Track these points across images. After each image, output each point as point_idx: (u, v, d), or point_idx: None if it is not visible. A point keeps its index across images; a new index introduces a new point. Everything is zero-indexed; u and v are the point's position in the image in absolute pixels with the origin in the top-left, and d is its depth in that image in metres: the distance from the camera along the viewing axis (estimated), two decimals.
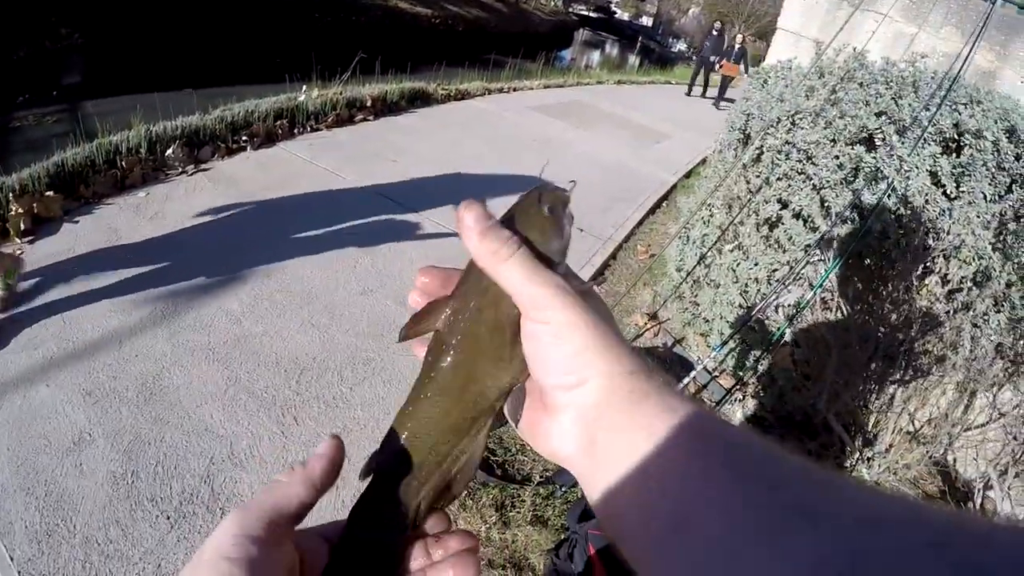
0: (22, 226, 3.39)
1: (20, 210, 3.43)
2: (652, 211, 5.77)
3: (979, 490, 2.60)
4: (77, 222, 3.62)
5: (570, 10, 33.46)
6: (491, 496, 2.48)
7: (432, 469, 0.43)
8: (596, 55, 27.62)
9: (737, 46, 12.99)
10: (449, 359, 0.41)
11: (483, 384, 0.41)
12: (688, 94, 13.43)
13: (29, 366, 2.61)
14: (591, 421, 0.37)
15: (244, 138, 5.01)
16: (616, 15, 42.05)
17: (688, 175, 6.98)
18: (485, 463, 2.62)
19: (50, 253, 3.30)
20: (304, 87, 6.17)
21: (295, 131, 5.54)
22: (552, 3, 31.33)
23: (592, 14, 38.38)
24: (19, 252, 3.25)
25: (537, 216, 0.40)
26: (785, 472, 0.32)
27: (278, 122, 5.39)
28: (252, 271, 3.45)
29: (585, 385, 0.37)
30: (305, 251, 3.73)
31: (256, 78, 8.05)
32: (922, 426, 2.68)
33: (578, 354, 0.37)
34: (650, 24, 41.86)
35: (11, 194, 3.53)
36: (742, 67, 12.32)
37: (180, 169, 4.41)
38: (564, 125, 8.05)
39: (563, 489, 2.57)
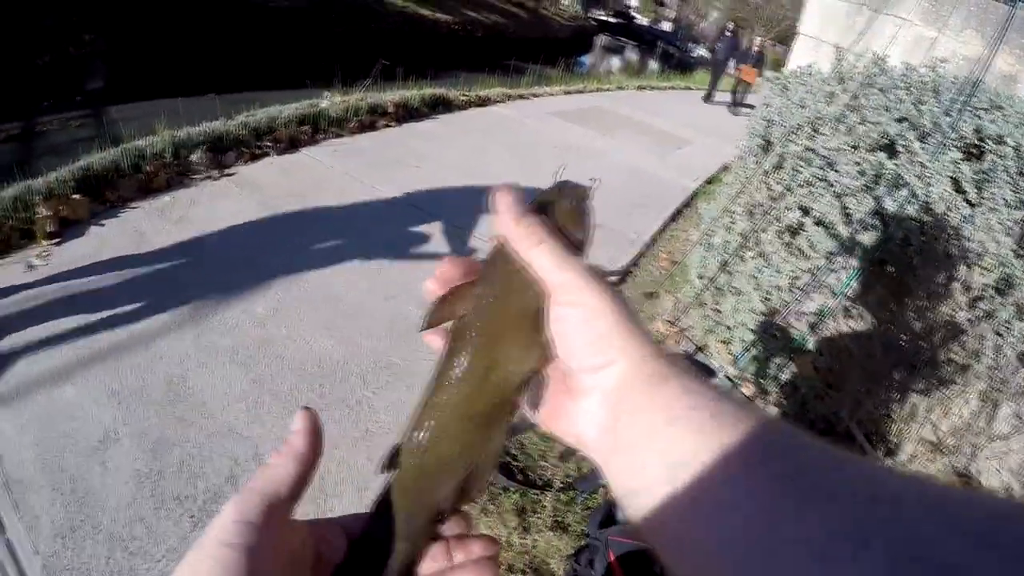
0: (48, 228, 3.46)
1: (47, 213, 3.50)
2: (674, 217, 5.75)
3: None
4: (103, 225, 3.68)
5: (589, 15, 33.44)
6: (512, 501, 2.50)
7: (454, 462, 0.43)
8: (616, 60, 27.60)
9: (755, 50, 12.83)
10: (473, 346, 0.41)
11: (506, 370, 0.42)
12: (707, 100, 13.27)
13: (55, 366, 2.66)
14: (615, 403, 0.38)
15: (268, 144, 5.07)
16: (635, 20, 41.93)
17: (710, 181, 6.94)
18: (506, 468, 2.63)
19: (77, 255, 3.37)
20: (326, 93, 6.24)
21: (318, 137, 5.59)
22: (571, 8, 31.36)
23: (611, 19, 38.32)
24: (46, 254, 3.31)
25: (562, 208, 0.42)
26: (800, 446, 0.33)
27: (301, 128, 5.45)
28: (276, 275, 3.49)
29: (611, 367, 0.38)
30: (328, 256, 3.77)
31: (279, 84, 8.17)
32: (945, 436, 2.65)
33: (604, 337, 0.38)
34: (670, 29, 41.77)
35: (38, 197, 3.61)
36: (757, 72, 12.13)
37: (205, 174, 4.47)
38: (585, 131, 8.05)
39: (584, 495, 2.57)
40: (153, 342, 2.88)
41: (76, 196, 3.73)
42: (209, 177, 4.46)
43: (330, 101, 6.04)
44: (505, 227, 0.40)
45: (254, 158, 4.90)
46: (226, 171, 4.59)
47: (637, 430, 0.36)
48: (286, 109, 5.63)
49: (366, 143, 5.84)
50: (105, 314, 2.97)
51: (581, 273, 0.39)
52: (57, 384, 2.58)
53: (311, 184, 4.68)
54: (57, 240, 3.45)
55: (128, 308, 3.04)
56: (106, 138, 4.32)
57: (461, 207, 4.72)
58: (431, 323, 0.43)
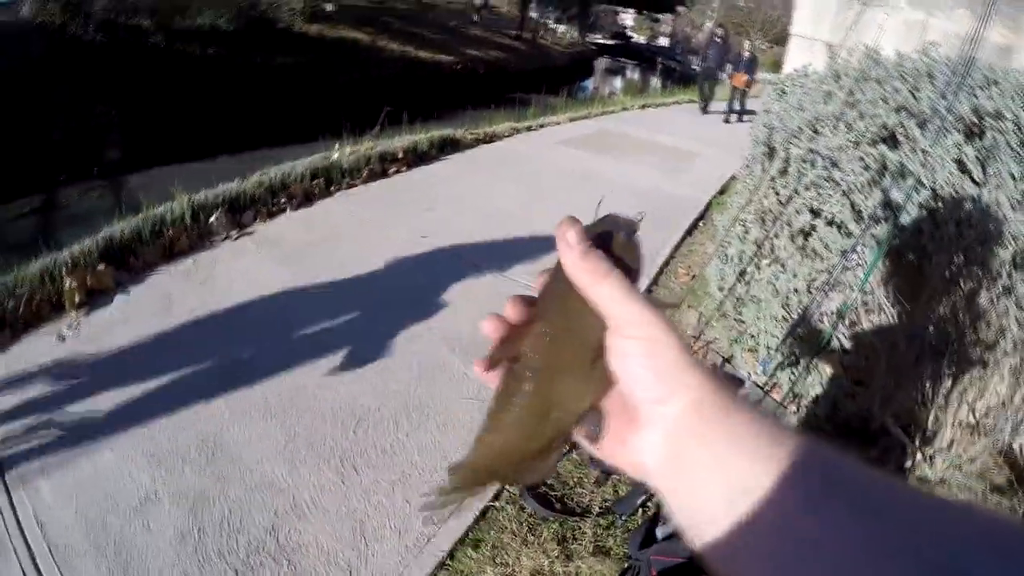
0: (77, 299, 3.57)
1: (74, 284, 3.61)
2: (690, 232, 5.77)
3: None
4: (129, 292, 3.79)
5: (586, 40, 33.80)
6: (552, 531, 2.50)
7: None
8: (618, 81, 27.80)
9: (745, 54, 12.61)
10: (533, 381, 0.42)
11: (565, 408, 0.42)
12: (704, 111, 13.07)
13: (93, 432, 2.73)
14: (679, 433, 0.39)
15: (283, 200, 5.19)
16: (632, 39, 42.28)
17: (722, 191, 6.94)
18: (543, 498, 2.64)
19: (106, 323, 3.47)
20: (336, 145, 6.38)
21: (332, 189, 5.71)
22: (568, 35, 31.75)
23: (609, 41, 38.68)
24: (76, 324, 3.41)
25: (619, 241, 0.42)
26: (861, 479, 0.35)
27: (315, 181, 5.57)
28: (301, 326, 3.56)
29: (675, 398, 0.39)
30: (350, 302, 3.84)
31: (290, 140, 8.39)
32: (982, 416, 2.61)
33: (669, 370, 0.39)
34: (667, 44, 42.03)
35: (64, 269, 3.73)
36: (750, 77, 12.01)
37: (224, 235, 4.59)
38: (594, 156, 8.12)
39: (623, 518, 2.56)
40: (186, 402, 2.94)
41: (101, 266, 3.85)
42: (228, 237, 4.58)
43: (341, 152, 6.17)
44: (570, 262, 0.40)
45: (271, 215, 5.02)
46: (245, 230, 4.71)
47: (701, 460, 0.37)
48: (299, 164, 5.76)
49: (379, 190, 5.96)
50: (137, 378, 3.05)
51: (645, 306, 0.40)
52: (96, 449, 2.64)
53: (328, 235, 4.78)
54: (86, 310, 3.56)
55: (159, 370, 3.12)
56: (126, 207, 4.46)
57: (476, 245, 4.80)
58: (492, 362, 0.43)
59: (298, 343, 3.44)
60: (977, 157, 2.46)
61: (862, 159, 2.71)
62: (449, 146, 7.55)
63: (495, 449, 0.44)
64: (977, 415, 2.63)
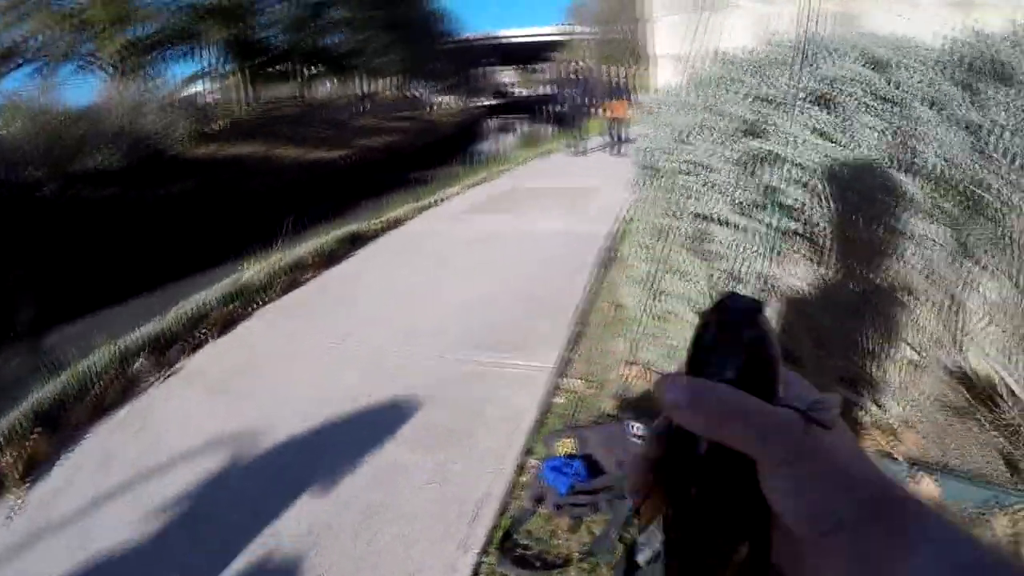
0: (16, 475, 3.46)
1: (11, 459, 3.51)
2: (605, 266, 5.99)
3: (1000, 380, 2.71)
4: (70, 454, 3.70)
5: (472, 105, 34.85)
6: None
7: None
8: (510, 137, 28.63)
9: (617, 81, 12.63)
10: (691, 548, 0.39)
11: (729, 559, 0.38)
12: (580, 152, 12.92)
13: None
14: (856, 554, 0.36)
15: (204, 330, 5.16)
16: (515, 94, 43.77)
17: (631, 220, 7.25)
18: (522, 560, 2.64)
19: (50, 491, 3.38)
20: (243, 265, 6.49)
21: (250, 309, 5.70)
22: (454, 105, 32.70)
23: (494, 101, 39.98)
24: (20, 500, 3.40)
25: (736, 340, 0.37)
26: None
27: (231, 306, 5.56)
28: (240, 457, 3.53)
29: (838, 527, 0.35)
30: (286, 421, 3.81)
31: (199, 266, 8.41)
32: (922, 351, 2.75)
33: (828, 499, 0.36)
34: (551, 91, 43.49)
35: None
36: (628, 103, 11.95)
37: (152, 377, 4.58)
38: (498, 217, 8.34)
39: (605, 556, 2.58)
40: (142, 552, 2.87)
41: (35, 434, 3.74)
42: (157, 379, 4.53)
43: (251, 270, 6.29)
44: (683, 419, 0.37)
45: (196, 348, 4.97)
46: (172, 368, 4.68)
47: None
48: (212, 291, 5.75)
49: (296, 301, 5.97)
50: (87, 541, 2.96)
51: (778, 429, 0.36)
52: None
53: (255, 358, 4.77)
54: (28, 483, 3.52)
55: (107, 529, 3.03)
56: (51, 365, 4.45)
57: (397, 333, 4.87)
58: (643, 524, 0.41)
59: (237, 475, 3.40)
60: (838, 124, 2.67)
61: (731, 157, 2.89)
62: (356, 241, 7.66)
63: None
64: (918, 350, 2.75)
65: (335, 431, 3.72)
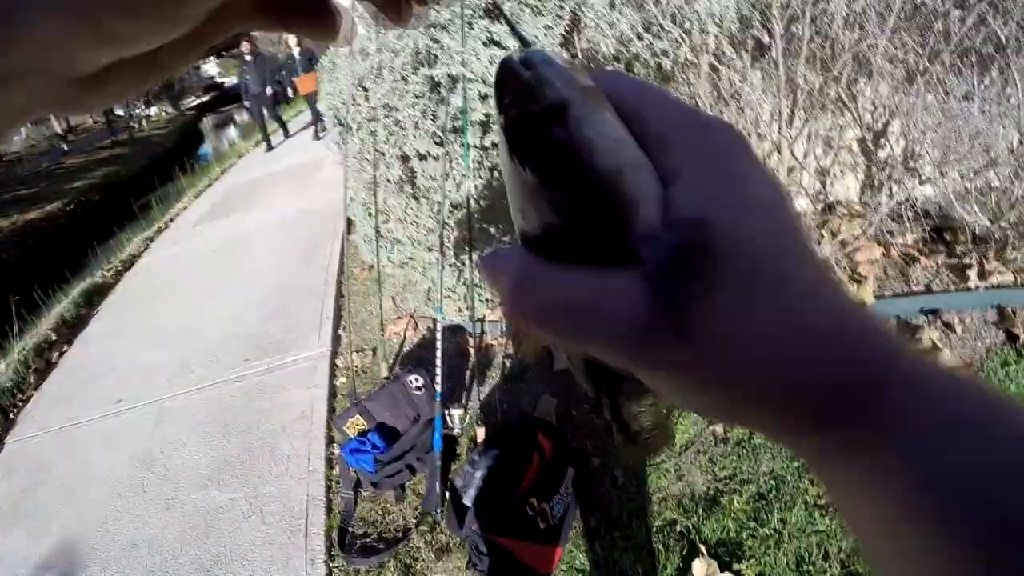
0: None
1: None
2: (348, 231, 5.97)
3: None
4: None
5: (182, 109, 32.35)
6: (393, 568, 2.52)
7: None
8: (232, 131, 27.02)
9: (297, 52, 10.85)
10: None
11: None
12: (270, 148, 11.63)
13: None
14: None
15: None
16: (224, 84, 41.03)
17: (347, 180, 7.26)
18: (365, 549, 2.62)
19: None
20: None
21: (10, 416, 4.90)
22: (163, 114, 30.14)
23: (205, 98, 37.23)
24: None
25: (543, 159, 0.24)
26: None
27: None
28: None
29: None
30: (91, 499, 3.48)
31: None
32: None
33: (732, 404, 0.24)
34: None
35: None
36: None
37: None
38: (232, 219, 7.93)
39: (438, 511, 2.60)
40: None
41: None
42: None
43: None
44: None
45: None
46: None
47: None
48: None
49: (56, 387, 5.15)
50: None
51: (623, 325, 0.22)
52: None
53: (31, 471, 4.10)
54: None
55: None
56: None
57: (172, 381, 4.47)
58: (528, 355, 0.36)
59: None
60: (510, 32, 2.92)
61: (415, 91, 2.90)
62: (96, 295, 6.82)
63: None
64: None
65: (140, 498, 3.41)
